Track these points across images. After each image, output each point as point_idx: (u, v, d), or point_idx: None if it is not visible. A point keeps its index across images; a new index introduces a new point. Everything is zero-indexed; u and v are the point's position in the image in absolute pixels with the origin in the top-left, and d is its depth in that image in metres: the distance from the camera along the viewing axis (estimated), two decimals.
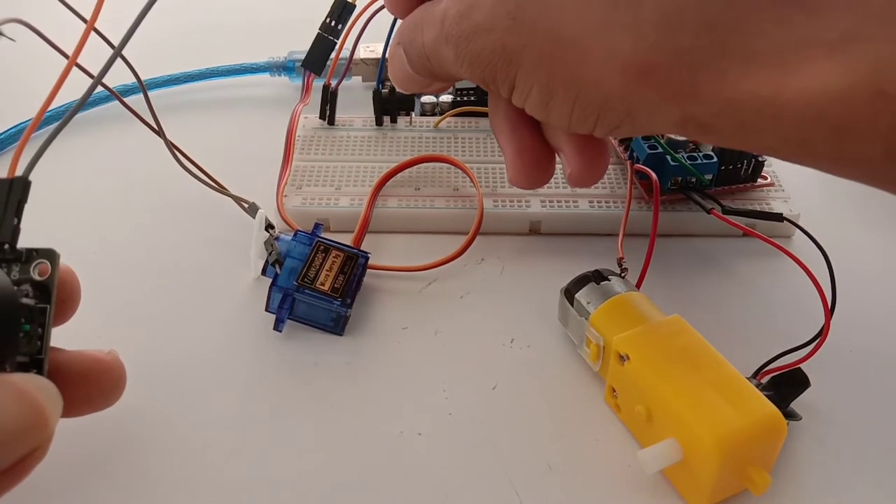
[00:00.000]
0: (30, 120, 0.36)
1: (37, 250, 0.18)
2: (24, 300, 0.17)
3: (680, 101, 0.17)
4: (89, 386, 0.20)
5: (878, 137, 0.15)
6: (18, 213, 0.17)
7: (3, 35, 0.22)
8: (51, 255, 0.18)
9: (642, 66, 0.17)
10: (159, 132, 0.26)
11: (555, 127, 0.21)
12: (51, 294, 0.18)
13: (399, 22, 0.23)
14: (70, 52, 0.21)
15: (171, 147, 0.26)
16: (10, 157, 0.18)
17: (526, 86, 0.19)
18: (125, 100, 0.27)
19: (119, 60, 0.20)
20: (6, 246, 0.17)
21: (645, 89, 0.18)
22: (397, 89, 0.25)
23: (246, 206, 0.28)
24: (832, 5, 0.16)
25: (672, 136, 0.31)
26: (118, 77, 0.22)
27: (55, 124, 0.18)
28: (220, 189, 0.28)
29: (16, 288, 0.17)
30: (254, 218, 0.28)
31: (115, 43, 0.19)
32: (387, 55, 0.27)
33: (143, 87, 0.26)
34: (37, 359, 0.18)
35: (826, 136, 0.16)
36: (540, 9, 0.18)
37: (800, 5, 0.16)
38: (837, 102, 0.15)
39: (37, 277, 0.18)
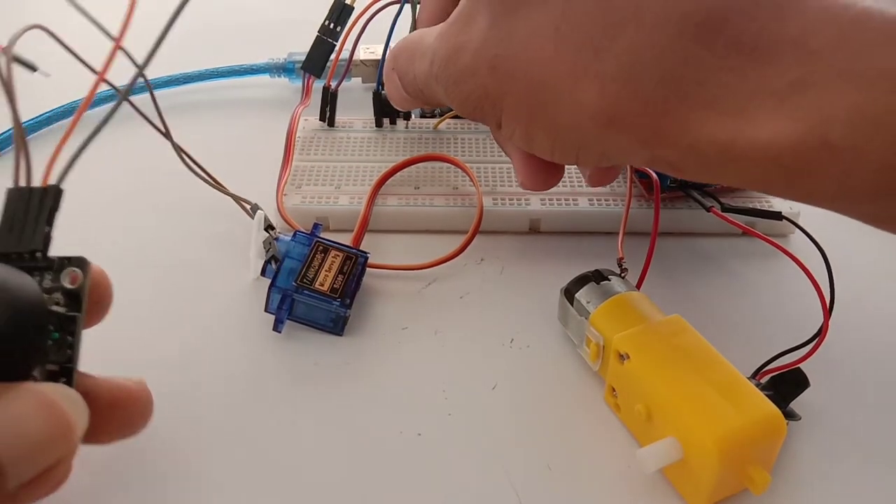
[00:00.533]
0: (33, 120, 0.36)
1: (69, 258, 0.18)
2: (54, 308, 0.17)
3: (648, 145, 0.18)
4: (116, 415, 0.19)
5: (829, 180, 0.16)
6: (50, 222, 0.17)
7: (37, 69, 0.23)
8: (82, 264, 0.18)
9: (609, 115, 0.18)
10: (167, 135, 0.26)
11: None
12: (81, 302, 0.18)
13: (393, 36, 0.24)
14: (78, 51, 0.21)
15: (178, 149, 0.26)
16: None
17: (510, 126, 0.21)
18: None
19: (124, 58, 0.20)
20: (38, 254, 0.17)
21: (615, 135, 0.19)
22: (395, 107, 0.26)
23: (249, 207, 0.28)
24: (781, 53, 0.16)
25: None
26: (118, 77, 0.22)
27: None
28: (221, 189, 0.28)
29: (46, 296, 0.17)
30: (253, 218, 0.28)
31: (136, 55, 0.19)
32: (383, 76, 0.27)
33: (152, 94, 0.26)
34: (66, 367, 0.17)
35: (783, 175, 0.17)
36: (516, 58, 0.19)
37: (750, 54, 0.16)
38: (789, 150, 0.16)
39: (68, 286, 0.17)
